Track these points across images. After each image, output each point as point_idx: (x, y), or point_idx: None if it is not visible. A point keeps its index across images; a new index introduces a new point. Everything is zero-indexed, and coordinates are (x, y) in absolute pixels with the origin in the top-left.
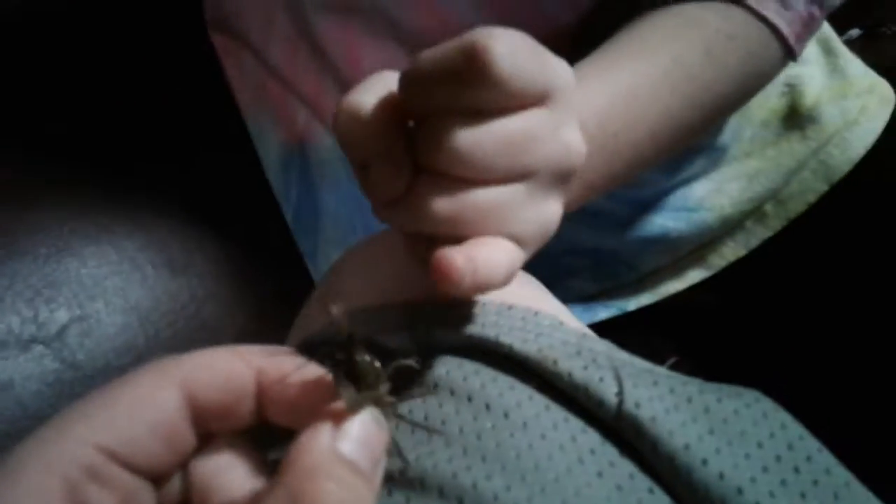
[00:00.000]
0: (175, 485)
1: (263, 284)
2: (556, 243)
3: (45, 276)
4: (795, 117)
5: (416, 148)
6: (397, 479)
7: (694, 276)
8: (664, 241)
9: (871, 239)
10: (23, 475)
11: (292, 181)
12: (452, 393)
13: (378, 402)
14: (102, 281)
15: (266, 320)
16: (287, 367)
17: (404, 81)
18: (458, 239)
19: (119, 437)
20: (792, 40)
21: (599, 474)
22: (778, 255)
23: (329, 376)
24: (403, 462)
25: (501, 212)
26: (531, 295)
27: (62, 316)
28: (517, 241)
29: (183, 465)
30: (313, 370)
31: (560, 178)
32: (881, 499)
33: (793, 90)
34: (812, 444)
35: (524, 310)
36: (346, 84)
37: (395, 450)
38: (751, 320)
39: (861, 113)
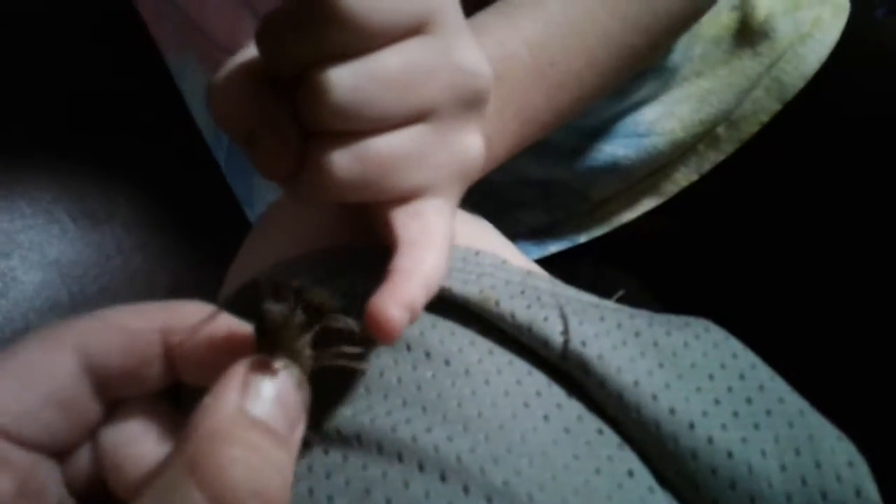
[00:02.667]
0: (83, 459)
1: (199, 231)
2: (503, 175)
3: None
4: (747, 33)
5: (297, 112)
6: (334, 437)
7: (647, 203)
8: (615, 169)
9: (825, 156)
10: None
11: None
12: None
13: (297, 357)
14: (15, 235)
15: (204, 269)
16: (195, 321)
17: (259, 42)
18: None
19: (9, 412)
20: None
21: (546, 417)
22: (732, 177)
23: (241, 330)
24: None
25: (408, 160)
26: (473, 233)
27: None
28: (433, 188)
29: (90, 438)
30: (226, 323)
31: (467, 106)
32: (836, 426)
33: (744, 4)
34: (764, 372)
35: (464, 250)
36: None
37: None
38: (706, 245)
39: (814, 25)
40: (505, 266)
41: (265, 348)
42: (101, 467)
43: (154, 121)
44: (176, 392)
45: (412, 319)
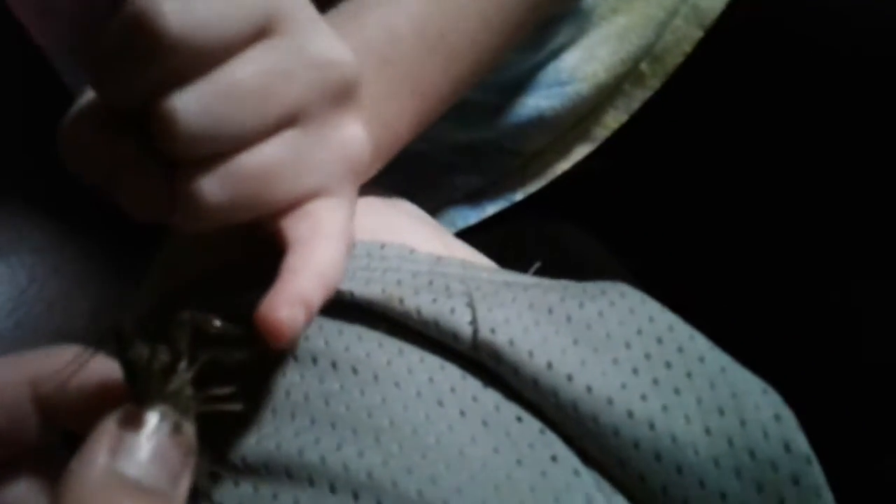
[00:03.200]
0: None
1: (117, 249)
2: (430, 144)
3: None
4: None
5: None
6: (241, 467)
7: (580, 151)
8: (542, 122)
9: (753, 79)
10: None
11: None
12: (296, 358)
13: (175, 400)
14: None
15: (126, 288)
16: (62, 367)
17: (92, 83)
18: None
19: None
20: None
21: (462, 413)
22: (661, 110)
23: (115, 375)
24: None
25: (283, 169)
26: (379, 223)
27: None
28: (321, 190)
29: None
30: (99, 369)
31: (336, 99)
32: (760, 366)
33: None
34: (683, 332)
35: (369, 244)
36: None
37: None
38: (642, 181)
39: None
40: (412, 256)
41: (135, 397)
42: None
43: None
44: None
45: (308, 317)
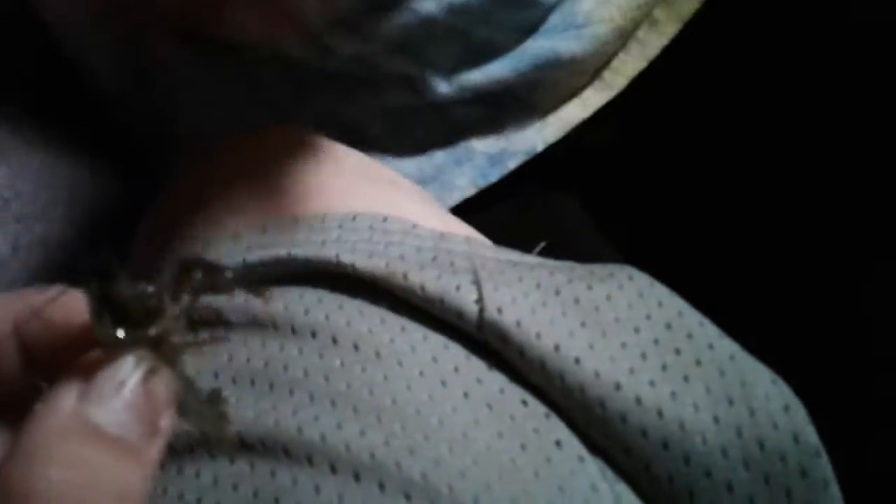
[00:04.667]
0: None
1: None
2: (447, 88)
3: None
4: None
5: None
6: (237, 444)
7: (596, 99)
8: (559, 65)
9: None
10: None
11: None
12: (294, 331)
13: (157, 345)
14: None
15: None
16: (46, 306)
17: None
18: None
19: None
20: None
21: (466, 395)
22: (670, 80)
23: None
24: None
25: None
26: (379, 197)
27: None
28: None
29: None
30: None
31: None
32: (767, 362)
33: None
34: (692, 318)
35: (371, 216)
36: None
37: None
38: (652, 159)
39: None
40: (415, 231)
41: (112, 339)
42: None
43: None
44: None
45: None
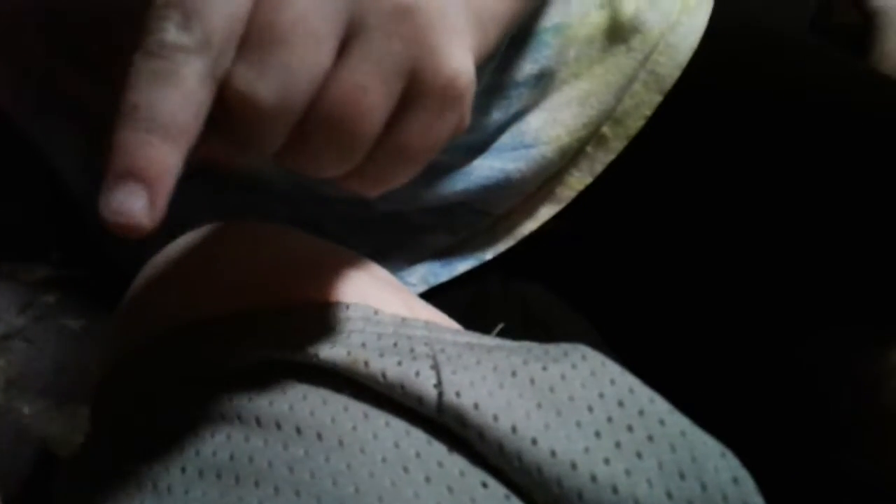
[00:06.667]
0: None
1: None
2: (401, 205)
3: None
4: (618, 29)
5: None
6: None
7: (546, 212)
8: (508, 184)
9: (714, 140)
10: None
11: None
12: (259, 422)
13: None
14: None
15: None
16: None
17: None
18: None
19: None
20: None
21: (427, 479)
22: (624, 172)
23: None
24: None
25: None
26: (341, 283)
27: None
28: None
29: None
30: None
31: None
32: (722, 431)
33: (611, 1)
34: (643, 395)
35: (334, 304)
36: None
37: None
38: (606, 242)
39: (682, 12)
40: (377, 318)
41: None
42: None
43: None
44: None
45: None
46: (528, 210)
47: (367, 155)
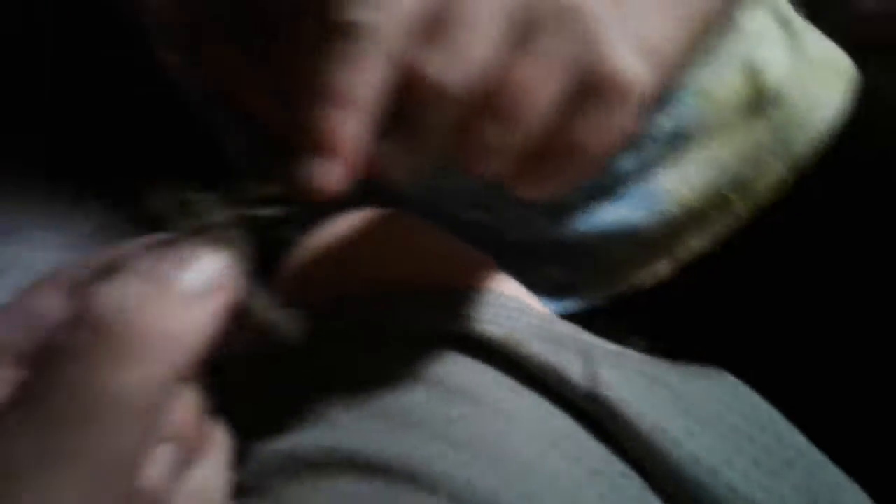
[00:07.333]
0: None
1: None
2: (521, 235)
3: None
4: (758, 100)
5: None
6: (361, 466)
7: (661, 267)
8: (629, 233)
9: (839, 223)
10: None
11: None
12: (421, 379)
13: (217, 232)
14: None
15: None
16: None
17: None
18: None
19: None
20: None
21: (572, 459)
22: (744, 241)
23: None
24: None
25: None
26: (493, 276)
27: (3, 298)
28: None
29: None
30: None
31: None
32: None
33: (755, 72)
34: (782, 424)
35: (489, 290)
36: None
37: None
38: (718, 306)
39: (823, 92)
40: (527, 309)
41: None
42: None
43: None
44: None
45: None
46: (644, 262)
47: (539, 154)
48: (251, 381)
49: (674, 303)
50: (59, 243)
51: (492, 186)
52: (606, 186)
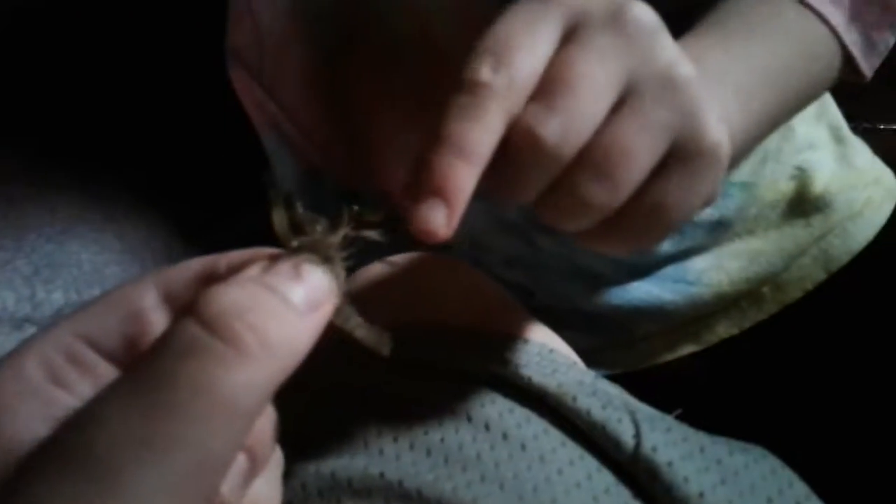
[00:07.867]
0: None
1: None
2: (553, 301)
3: (47, 255)
4: (802, 203)
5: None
6: (405, 496)
7: (686, 349)
8: (659, 311)
9: (865, 329)
10: (6, 358)
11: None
12: (470, 419)
13: (322, 251)
14: (102, 268)
15: None
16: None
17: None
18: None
19: (96, 327)
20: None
21: None
22: (771, 333)
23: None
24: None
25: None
26: (543, 332)
27: (58, 298)
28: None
29: None
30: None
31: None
32: None
33: (803, 175)
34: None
35: (540, 345)
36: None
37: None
38: (740, 391)
39: (865, 205)
40: (576, 367)
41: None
42: None
43: (239, 170)
44: None
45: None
46: (669, 342)
47: (624, 212)
48: (297, 400)
49: (691, 382)
50: (113, 246)
51: (533, 250)
52: (644, 265)
